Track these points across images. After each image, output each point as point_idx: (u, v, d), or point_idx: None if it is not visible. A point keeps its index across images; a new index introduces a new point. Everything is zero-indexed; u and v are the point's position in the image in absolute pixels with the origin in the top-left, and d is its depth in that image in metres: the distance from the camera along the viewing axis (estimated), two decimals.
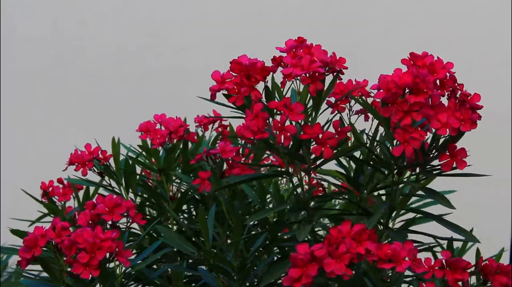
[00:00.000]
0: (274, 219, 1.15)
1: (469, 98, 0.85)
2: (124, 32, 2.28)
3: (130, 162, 1.14)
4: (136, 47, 2.28)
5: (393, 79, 0.83)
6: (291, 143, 0.90)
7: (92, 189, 1.23)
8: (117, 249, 0.90)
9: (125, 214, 0.98)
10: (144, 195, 1.18)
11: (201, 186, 1.04)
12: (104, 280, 0.93)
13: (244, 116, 0.90)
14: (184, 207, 1.21)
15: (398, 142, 0.84)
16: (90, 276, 0.89)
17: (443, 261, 0.84)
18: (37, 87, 2.31)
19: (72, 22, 2.30)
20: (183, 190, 1.17)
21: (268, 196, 1.14)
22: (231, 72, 0.92)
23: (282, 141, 0.88)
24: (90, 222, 0.94)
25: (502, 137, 2.02)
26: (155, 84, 2.27)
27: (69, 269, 0.92)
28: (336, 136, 0.90)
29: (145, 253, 0.99)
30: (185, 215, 1.22)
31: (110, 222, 0.95)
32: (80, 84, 2.30)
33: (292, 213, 1.05)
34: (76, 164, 1.11)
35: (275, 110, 0.90)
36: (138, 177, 1.17)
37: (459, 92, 0.85)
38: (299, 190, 0.97)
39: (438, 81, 0.85)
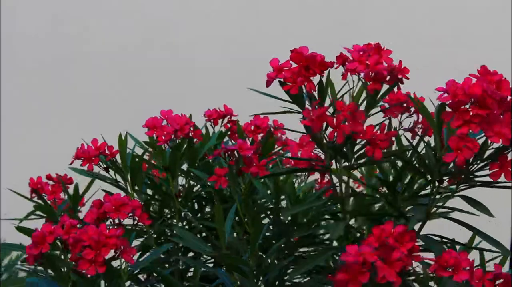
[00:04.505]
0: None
1: None
2: (124, 32, 2.28)
3: (137, 159, 1.14)
4: (136, 47, 2.28)
5: (462, 87, 0.83)
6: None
7: (82, 187, 1.23)
8: (122, 247, 0.90)
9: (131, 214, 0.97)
10: (150, 192, 1.18)
11: (217, 183, 1.03)
12: (109, 278, 0.93)
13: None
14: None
15: (449, 150, 0.84)
16: (96, 273, 0.89)
17: (494, 274, 0.84)
18: (37, 86, 2.31)
19: (72, 22, 2.30)
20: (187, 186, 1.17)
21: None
22: (290, 61, 0.92)
23: (335, 137, 0.88)
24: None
25: None
26: (155, 83, 2.27)
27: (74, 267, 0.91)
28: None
29: (154, 253, 0.99)
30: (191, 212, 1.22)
31: (116, 221, 0.94)
32: (80, 84, 2.30)
33: (326, 210, 1.05)
34: (82, 159, 1.10)
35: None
36: (144, 174, 1.17)
37: None
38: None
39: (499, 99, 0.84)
